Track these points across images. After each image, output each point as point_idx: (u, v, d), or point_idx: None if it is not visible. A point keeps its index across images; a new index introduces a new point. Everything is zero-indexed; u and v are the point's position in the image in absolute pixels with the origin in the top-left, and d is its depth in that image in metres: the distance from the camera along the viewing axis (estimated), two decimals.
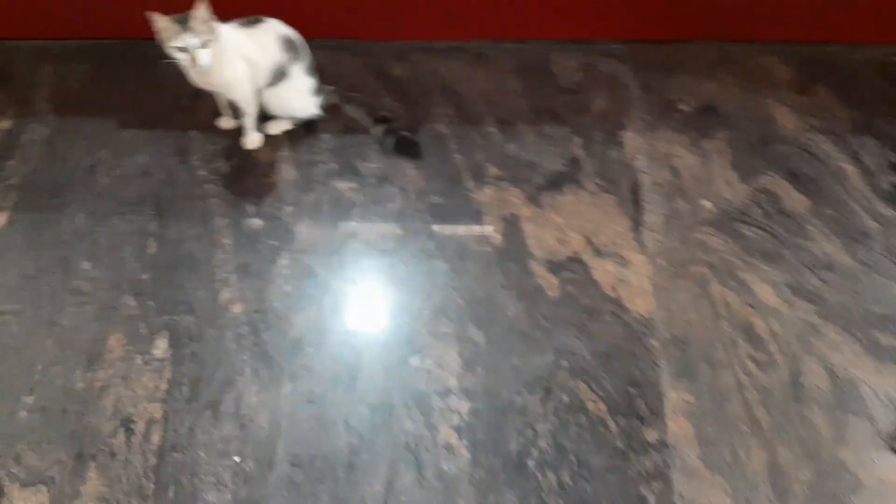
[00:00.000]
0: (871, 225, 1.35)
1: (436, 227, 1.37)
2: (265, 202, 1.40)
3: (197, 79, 1.31)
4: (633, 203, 1.39)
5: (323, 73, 1.46)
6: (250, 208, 1.40)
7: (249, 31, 1.32)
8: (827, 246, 1.33)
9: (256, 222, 1.38)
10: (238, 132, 1.49)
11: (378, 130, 1.47)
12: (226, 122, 1.50)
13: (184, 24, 1.18)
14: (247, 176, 1.45)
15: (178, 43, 1.19)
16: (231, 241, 1.35)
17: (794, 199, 1.38)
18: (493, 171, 1.44)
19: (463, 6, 1.56)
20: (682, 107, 1.51)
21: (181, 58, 1.21)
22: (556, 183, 1.42)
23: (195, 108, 1.54)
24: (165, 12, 1.20)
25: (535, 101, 1.54)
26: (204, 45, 1.20)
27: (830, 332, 1.24)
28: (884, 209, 1.36)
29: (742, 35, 1.58)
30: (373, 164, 1.46)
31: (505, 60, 1.61)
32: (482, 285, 1.30)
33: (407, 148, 1.45)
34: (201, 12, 1.20)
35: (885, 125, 1.47)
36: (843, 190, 1.39)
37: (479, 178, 1.43)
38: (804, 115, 1.49)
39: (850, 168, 1.41)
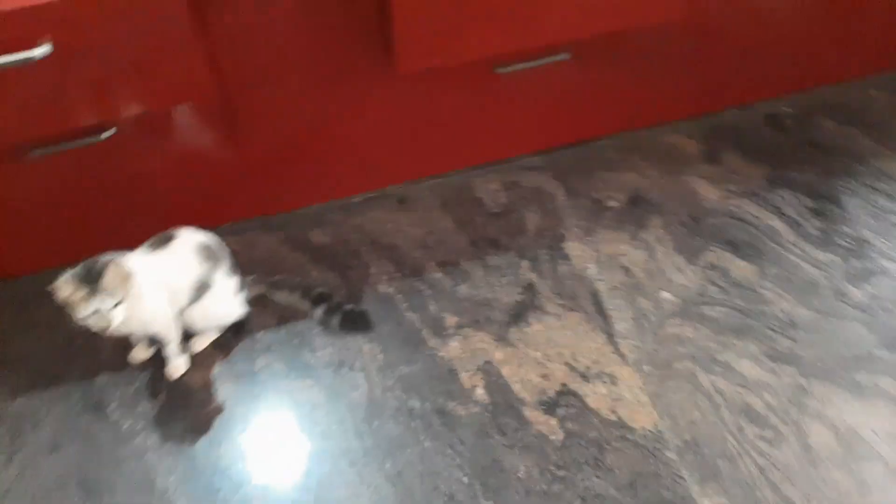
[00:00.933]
0: (814, 272, 1.57)
1: (414, 402, 1.38)
2: (211, 439, 1.34)
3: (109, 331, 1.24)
4: (600, 314, 1.51)
5: (239, 262, 1.44)
6: (198, 453, 1.32)
7: (163, 254, 1.28)
8: (784, 304, 1.52)
9: (206, 472, 1.30)
10: (158, 360, 1.41)
11: (318, 311, 1.46)
12: (141, 353, 1.43)
13: (94, 284, 1.12)
14: (181, 411, 1.39)
15: (90, 311, 1.12)
16: (185, 502, 1.26)
17: (741, 268, 1.57)
18: (451, 320, 1.50)
19: (370, 154, 1.63)
20: (611, 203, 1.68)
21: (92, 322, 1.14)
22: (519, 315, 1.51)
23: (96, 345, 1.46)
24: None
25: (471, 234, 1.64)
26: (119, 303, 1.14)
27: (817, 388, 1.42)
28: (820, 255, 1.59)
29: (645, 121, 1.79)
30: (322, 350, 1.46)
31: (428, 199, 1.70)
32: (483, 452, 1.34)
33: (354, 322, 1.48)
34: (117, 269, 1.13)
35: (791, 174, 1.74)
36: (779, 247, 1.61)
37: (441, 332, 1.48)
38: (722, 184, 1.71)
39: (778, 224, 1.64)
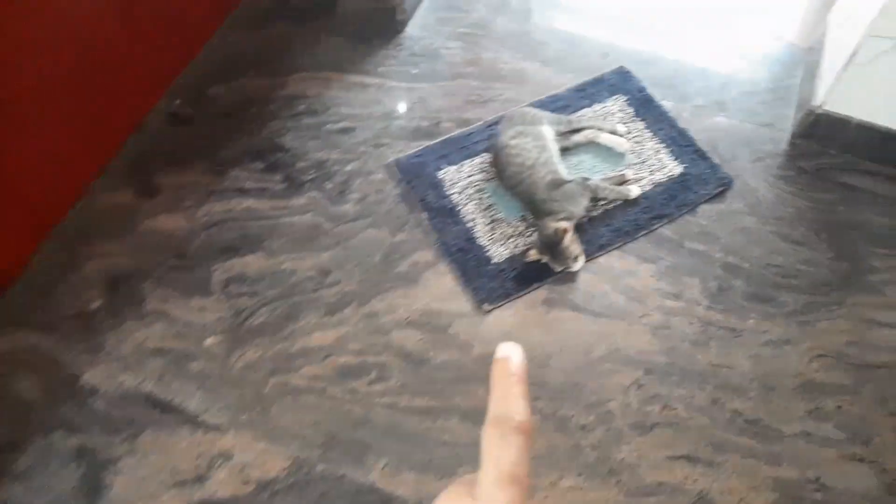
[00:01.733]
0: (307, 218, 1.72)
1: None
2: None
3: None
4: (167, 412, 1.46)
5: None
6: None
7: None
8: (303, 263, 1.66)
9: None
10: None
11: None
12: None
13: None
14: None
15: None
16: None
17: (251, 263, 1.66)
18: None
19: None
20: (93, 305, 1.57)
21: None
22: (92, 487, 1.39)
23: None
24: None
25: None
26: None
27: (379, 304, 1.61)
28: (299, 200, 1.75)
29: (66, 205, 1.68)
30: None
31: None
32: None
33: None
34: None
35: (226, 153, 1.81)
36: (266, 220, 1.72)
37: None
38: (178, 206, 1.72)
39: (250, 202, 1.75)
